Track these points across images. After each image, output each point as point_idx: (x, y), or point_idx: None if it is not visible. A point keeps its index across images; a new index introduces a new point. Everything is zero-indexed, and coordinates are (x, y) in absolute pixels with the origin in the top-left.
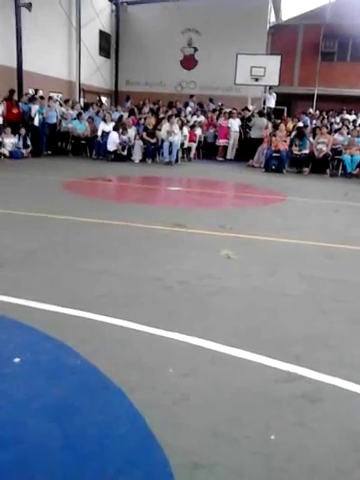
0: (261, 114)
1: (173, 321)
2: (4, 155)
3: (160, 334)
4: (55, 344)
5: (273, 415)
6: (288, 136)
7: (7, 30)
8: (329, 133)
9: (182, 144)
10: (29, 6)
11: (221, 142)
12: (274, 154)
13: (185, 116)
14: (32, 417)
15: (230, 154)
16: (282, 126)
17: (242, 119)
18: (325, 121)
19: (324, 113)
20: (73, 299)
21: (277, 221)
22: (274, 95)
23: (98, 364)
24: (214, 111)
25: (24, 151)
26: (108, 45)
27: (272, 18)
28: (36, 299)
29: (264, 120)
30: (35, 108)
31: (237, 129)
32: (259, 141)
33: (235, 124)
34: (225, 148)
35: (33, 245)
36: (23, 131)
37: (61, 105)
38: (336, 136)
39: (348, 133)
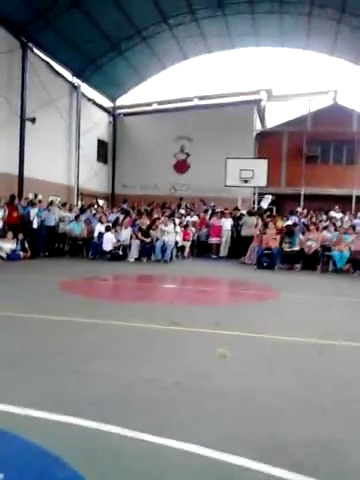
0: (250, 213)
1: (167, 426)
2: (2, 257)
3: (152, 441)
4: (43, 454)
5: None
6: (278, 234)
7: (11, 141)
8: (317, 230)
9: (176, 243)
10: (33, 120)
11: (214, 240)
12: (265, 251)
13: (179, 217)
14: None
15: (223, 252)
16: (271, 224)
17: (233, 218)
18: (313, 219)
19: (311, 211)
20: (63, 404)
21: (271, 318)
22: (269, 197)
23: (88, 476)
24: (206, 211)
25: (21, 253)
26: (105, 152)
27: (258, 126)
28: (25, 405)
29: (253, 219)
30: (34, 211)
31: (229, 227)
32: (250, 239)
33: (227, 223)
34: (218, 246)
35: (27, 347)
36: (21, 236)
37: (59, 208)
38: (324, 233)
39: (336, 230)
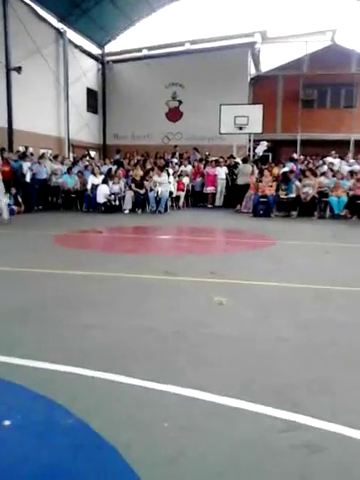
0: (245, 161)
1: (167, 373)
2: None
3: (154, 387)
4: (46, 403)
5: (274, 467)
6: (274, 181)
7: None
8: (314, 176)
9: (171, 193)
10: (19, 70)
11: (209, 190)
12: (261, 199)
13: (173, 166)
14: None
15: (218, 201)
16: (267, 172)
17: (228, 167)
18: (310, 165)
19: (308, 157)
20: (64, 355)
21: (268, 265)
22: (265, 144)
23: (91, 422)
24: (200, 160)
25: (15, 208)
26: (95, 101)
27: (252, 70)
28: (26, 356)
29: (249, 167)
30: (26, 165)
31: (224, 176)
32: (246, 187)
33: (222, 172)
34: (213, 195)
35: (23, 301)
36: (14, 190)
37: (51, 161)
38: (321, 179)
39: (333, 176)
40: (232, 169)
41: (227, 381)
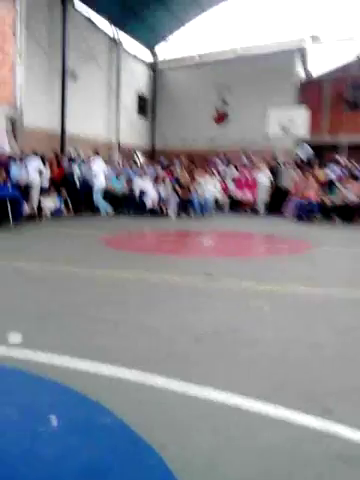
0: (289, 164)
1: (204, 376)
2: (46, 215)
3: (191, 390)
4: (86, 402)
5: (306, 477)
6: (319, 185)
7: (53, 97)
8: (355, 180)
9: (215, 197)
10: (75, 76)
11: (240, 195)
12: (304, 204)
13: (218, 171)
14: (64, 477)
15: (261, 209)
16: (310, 176)
17: (271, 170)
18: (354, 169)
19: (352, 161)
20: (105, 355)
21: (308, 271)
22: (308, 148)
23: (129, 422)
24: (246, 166)
25: (64, 210)
26: (145, 106)
27: (301, 74)
28: (69, 355)
29: (291, 171)
30: (77, 167)
31: (265, 181)
32: (290, 191)
33: (262, 176)
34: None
35: (69, 299)
36: (64, 193)
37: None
38: None
39: None
40: (276, 172)
41: (262, 386)
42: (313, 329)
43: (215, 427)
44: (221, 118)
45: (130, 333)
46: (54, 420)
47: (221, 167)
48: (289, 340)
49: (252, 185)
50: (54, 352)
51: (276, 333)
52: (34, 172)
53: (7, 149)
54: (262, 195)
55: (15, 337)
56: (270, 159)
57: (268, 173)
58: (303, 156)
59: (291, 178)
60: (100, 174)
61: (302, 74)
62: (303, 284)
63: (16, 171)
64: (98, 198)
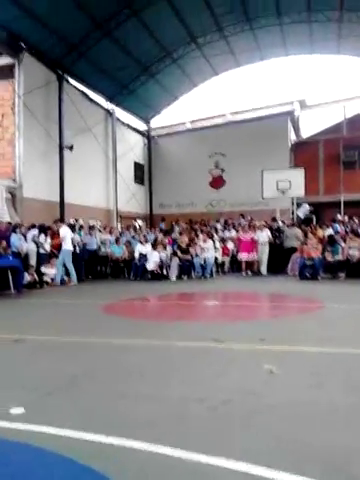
0: (293, 225)
1: (219, 445)
2: (47, 283)
3: (206, 461)
4: (96, 477)
5: None
6: (320, 243)
7: (52, 169)
8: (358, 237)
9: (216, 259)
10: (71, 148)
11: (243, 256)
12: (307, 262)
13: (216, 232)
14: None
15: (263, 269)
16: (311, 234)
17: (271, 229)
18: (355, 226)
19: (353, 218)
20: (115, 427)
21: (318, 330)
22: (307, 206)
23: None
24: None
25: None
26: (142, 173)
27: (292, 136)
28: (78, 428)
29: (295, 230)
30: (77, 236)
31: (266, 240)
32: (292, 251)
33: (263, 236)
34: (250, 263)
35: (75, 370)
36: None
37: (100, 231)
38: None
39: None
40: (276, 232)
41: (281, 453)
42: (329, 391)
43: None
44: (217, 183)
45: (138, 403)
46: None
47: (220, 230)
48: (305, 403)
49: (253, 246)
50: (59, 425)
51: (291, 396)
52: (30, 241)
53: (7, 219)
54: (263, 255)
55: (18, 409)
56: (269, 220)
57: (268, 233)
58: (301, 215)
59: (296, 237)
60: (67, 239)
61: (294, 136)
62: (316, 344)
63: (16, 241)
64: (67, 263)
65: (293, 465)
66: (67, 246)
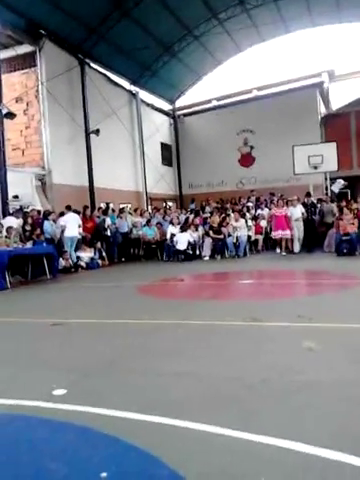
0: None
1: (258, 423)
2: (82, 267)
3: (246, 438)
4: (140, 454)
5: None
6: (356, 218)
7: (80, 154)
8: None
9: (249, 237)
10: (97, 132)
11: (276, 234)
12: (344, 237)
13: (248, 210)
14: None
15: (296, 247)
16: (346, 209)
17: (304, 205)
18: None
19: None
20: (155, 405)
21: (356, 306)
22: (341, 181)
23: (185, 474)
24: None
25: (100, 261)
26: (169, 154)
27: (322, 109)
28: (118, 408)
29: (331, 205)
30: (108, 220)
31: (299, 216)
32: (328, 226)
33: (297, 212)
34: (287, 240)
35: (113, 352)
36: (98, 244)
37: (131, 214)
38: None
39: None
40: (310, 208)
41: (323, 431)
42: None
43: (278, 477)
44: (247, 160)
45: (176, 381)
46: (107, 472)
47: (252, 208)
48: (347, 381)
49: (287, 222)
50: (101, 405)
51: (331, 374)
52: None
53: (39, 207)
54: (297, 232)
55: (60, 391)
56: (303, 196)
57: (302, 209)
58: (336, 190)
59: (332, 213)
60: (72, 226)
61: (324, 109)
62: (355, 320)
63: (49, 227)
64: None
65: (338, 443)
66: (68, 233)
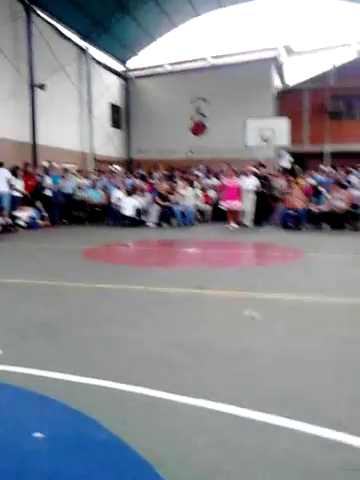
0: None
1: (199, 388)
2: (21, 226)
3: (187, 402)
4: (78, 416)
5: None
6: (305, 194)
7: (22, 109)
8: (343, 188)
9: (197, 207)
10: (43, 87)
11: (228, 205)
12: (291, 212)
13: (197, 179)
14: None
15: (248, 220)
16: (295, 184)
17: (258, 177)
18: (339, 177)
19: (340, 169)
20: (95, 369)
21: (299, 278)
22: (289, 156)
23: (123, 436)
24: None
25: (40, 222)
26: (119, 117)
27: (277, 83)
28: (58, 370)
29: (281, 180)
30: (49, 179)
31: (252, 188)
32: (277, 201)
33: (249, 183)
34: (237, 213)
35: (52, 315)
36: (39, 203)
37: (75, 175)
38: (353, 191)
39: None
40: (262, 180)
41: (260, 396)
42: (310, 337)
43: (216, 440)
44: (199, 129)
45: (118, 346)
46: (45, 436)
47: (202, 177)
48: (287, 350)
49: (238, 194)
50: (38, 367)
51: (272, 342)
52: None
53: None
54: (248, 204)
55: None
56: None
57: (255, 181)
58: (285, 165)
59: (279, 187)
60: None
61: (279, 84)
62: (297, 292)
63: None
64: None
65: (274, 408)
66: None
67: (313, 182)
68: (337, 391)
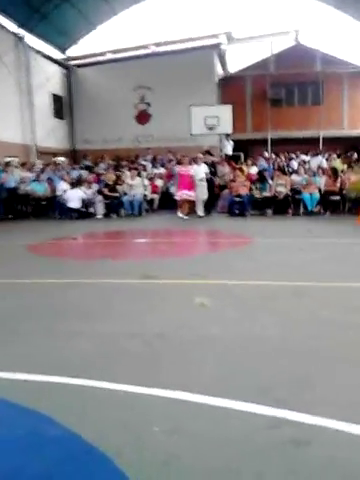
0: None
1: (153, 377)
2: None
3: (141, 392)
4: (32, 415)
5: (264, 464)
6: (248, 181)
7: None
8: (284, 174)
9: (145, 196)
10: None
11: (182, 194)
12: (236, 199)
13: (144, 169)
14: None
15: (200, 210)
16: (239, 171)
17: (207, 164)
18: (282, 163)
19: (281, 155)
20: (47, 365)
21: (246, 264)
22: (231, 142)
23: (80, 431)
24: (171, 161)
25: None
26: (61, 107)
27: (220, 71)
28: (8, 369)
29: (225, 167)
30: None
31: (203, 176)
32: (223, 188)
33: (200, 171)
34: (190, 203)
35: (3, 311)
36: None
37: (17, 168)
38: (293, 177)
39: (305, 173)
40: (210, 168)
41: (212, 381)
42: (257, 322)
43: (171, 427)
44: (144, 118)
45: (71, 340)
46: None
47: (148, 166)
48: (235, 335)
49: (192, 183)
50: None
51: (222, 329)
52: None
53: None
54: (201, 193)
55: None
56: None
57: (206, 168)
58: (228, 151)
59: (225, 174)
60: None
61: (221, 71)
62: (244, 277)
63: None
64: None
65: (225, 391)
66: None
67: (255, 170)
68: (282, 372)
